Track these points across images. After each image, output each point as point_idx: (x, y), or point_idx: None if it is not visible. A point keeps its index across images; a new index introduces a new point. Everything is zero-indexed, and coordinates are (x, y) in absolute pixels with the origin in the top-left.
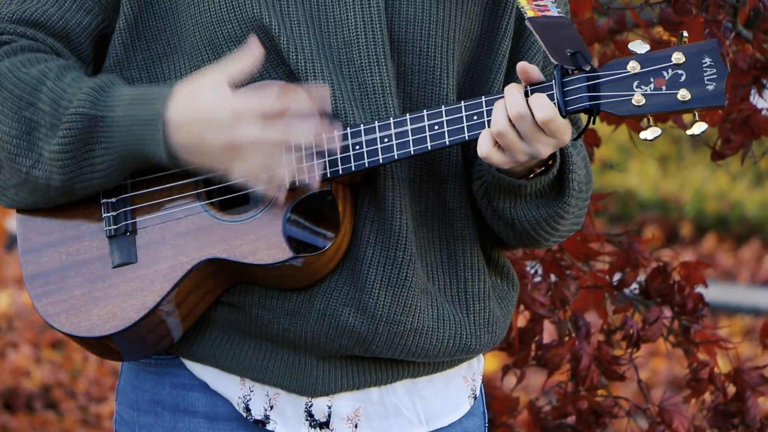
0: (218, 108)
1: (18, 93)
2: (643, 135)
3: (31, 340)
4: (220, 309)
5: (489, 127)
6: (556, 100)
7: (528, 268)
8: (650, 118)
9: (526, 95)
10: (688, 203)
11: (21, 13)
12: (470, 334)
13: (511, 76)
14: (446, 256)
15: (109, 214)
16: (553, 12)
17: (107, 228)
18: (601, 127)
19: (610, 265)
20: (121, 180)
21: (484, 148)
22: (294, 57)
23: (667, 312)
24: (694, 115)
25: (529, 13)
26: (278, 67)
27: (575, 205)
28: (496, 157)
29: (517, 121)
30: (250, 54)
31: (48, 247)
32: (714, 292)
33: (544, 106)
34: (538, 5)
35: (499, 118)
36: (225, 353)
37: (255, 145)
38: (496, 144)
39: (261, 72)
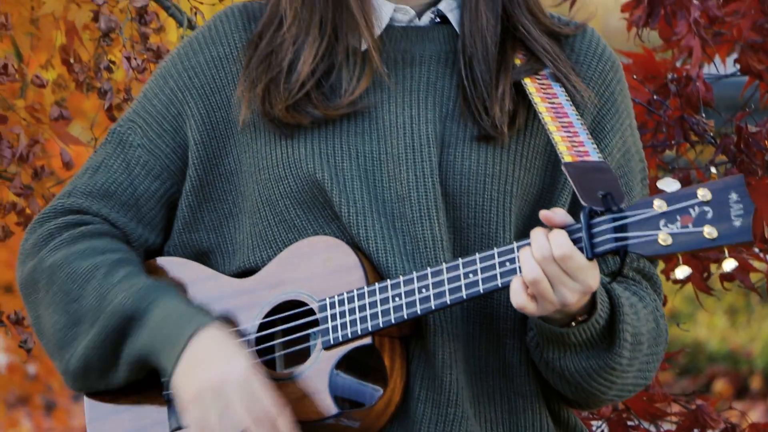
0: (240, 360)
1: (67, 287)
2: (674, 275)
3: None
4: None
5: (520, 273)
6: (583, 243)
7: (594, 428)
8: (680, 257)
9: None
10: (758, 356)
11: (93, 184)
12: None
13: None
14: (507, 412)
15: (166, 379)
16: (593, 157)
17: (165, 393)
18: (667, 282)
19: (678, 426)
20: (141, 376)
21: (519, 298)
22: (346, 211)
23: None
24: (724, 251)
25: (567, 159)
26: (331, 222)
27: (632, 357)
28: (531, 307)
29: (544, 262)
30: None
31: (111, 415)
32: None
33: (561, 243)
34: (578, 151)
35: (529, 265)
36: None
37: (230, 407)
38: (530, 297)
39: (314, 227)
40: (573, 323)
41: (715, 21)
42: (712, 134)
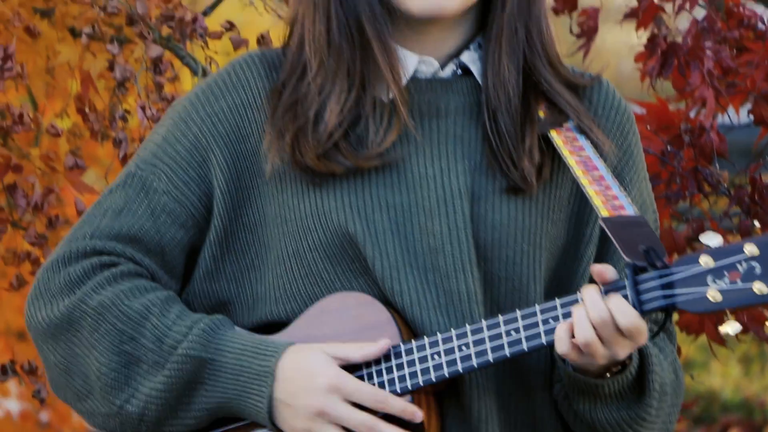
0: (320, 373)
1: (120, 327)
2: (723, 330)
3: None
4: None
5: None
6: (629, 300)
7: None
8: (728, 313)
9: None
10: None
11: (119, 228)
12: None
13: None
14: None
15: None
16: (629, 211)
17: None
18: (681, 333)
19: None
20: (205, 425)
21: (563, 346)
22: (378, 265)
23: None
24: None
25: (604, 213)
26: (359, 276)
27: (659, 408)
28: (573, 356)
29: (601, 327)
30: (372, 351)
31: None
32: None
33: (626, 312)
34: (614, 205)
35: (584, 327)
36: None
37: (341, 422)
38: (575, 347)
39: (342, 281)
40: (607, 374)
41: (729, 72)
42: (726, 185)
